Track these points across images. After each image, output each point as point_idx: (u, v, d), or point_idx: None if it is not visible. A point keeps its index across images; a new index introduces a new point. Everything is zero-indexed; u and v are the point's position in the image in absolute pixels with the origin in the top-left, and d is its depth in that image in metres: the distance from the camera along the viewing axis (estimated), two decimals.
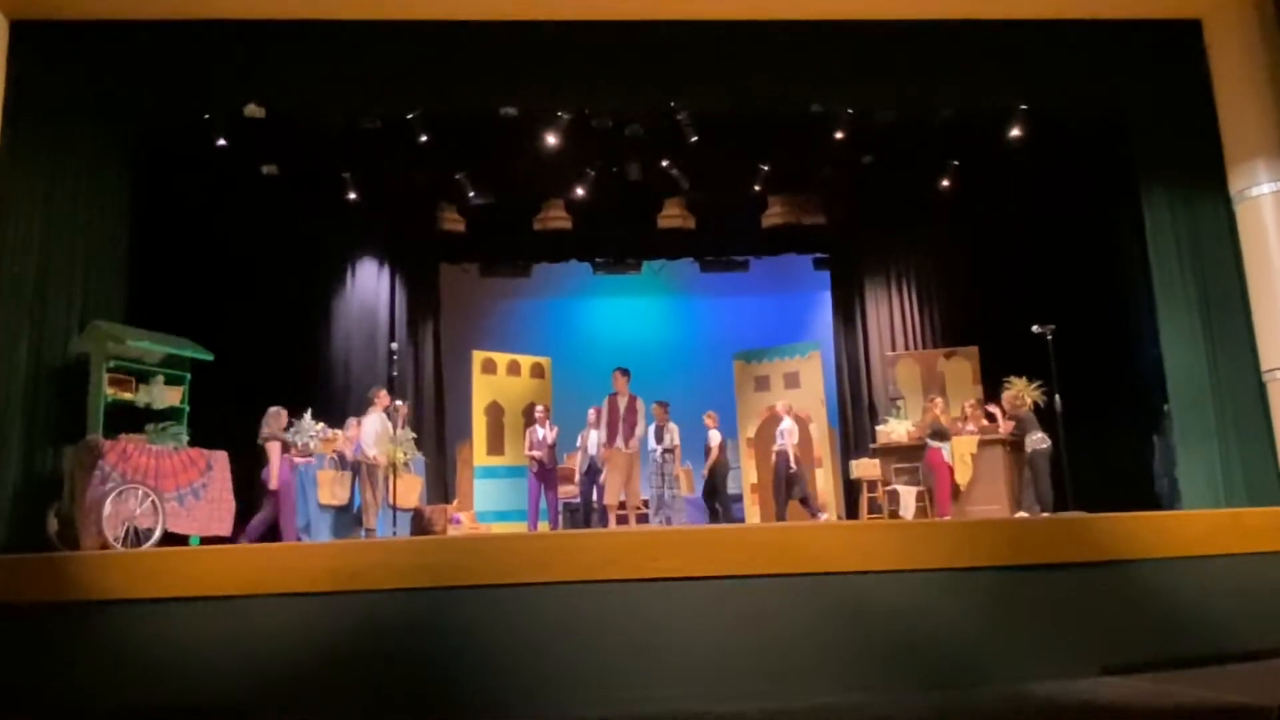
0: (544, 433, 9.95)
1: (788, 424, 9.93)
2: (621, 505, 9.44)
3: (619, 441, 9.43)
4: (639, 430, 9.46)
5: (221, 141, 8.89)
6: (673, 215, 11.81)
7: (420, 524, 8.99)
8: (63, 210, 7.21)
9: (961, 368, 11.15)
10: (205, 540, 7.11)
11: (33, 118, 7.07)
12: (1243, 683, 3.65)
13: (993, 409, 9.58)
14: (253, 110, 8.09)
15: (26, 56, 6.99)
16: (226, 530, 7.38)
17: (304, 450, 9.36)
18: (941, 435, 9.28)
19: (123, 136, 7.83)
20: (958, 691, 3.77)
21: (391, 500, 8.57)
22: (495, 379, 11.46)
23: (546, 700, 3.74)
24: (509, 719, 3.64)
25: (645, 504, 9.77)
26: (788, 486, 9.80)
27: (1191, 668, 3.99)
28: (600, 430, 9.70)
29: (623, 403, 9.52)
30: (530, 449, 10.01)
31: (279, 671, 3.80)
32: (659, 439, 9.59)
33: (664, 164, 10.50)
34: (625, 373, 9.68)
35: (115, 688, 3.82)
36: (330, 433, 9.30)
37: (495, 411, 11.39)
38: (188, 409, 7.57)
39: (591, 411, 9.90)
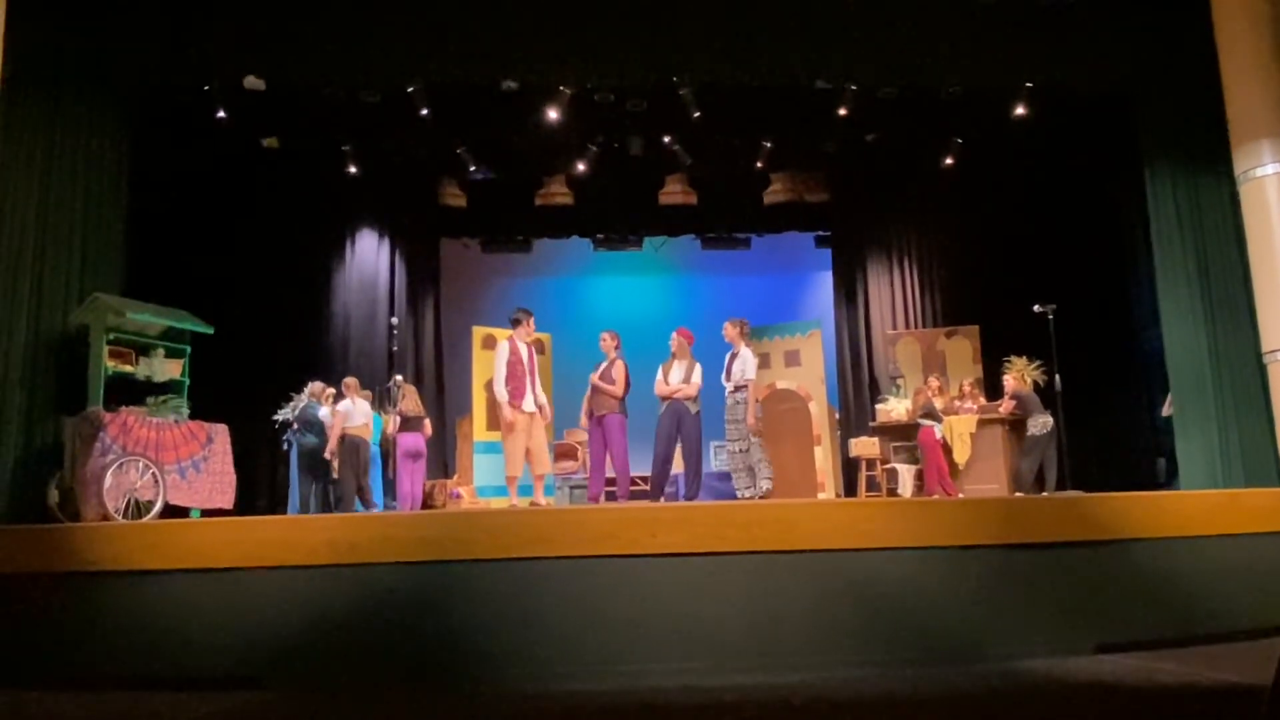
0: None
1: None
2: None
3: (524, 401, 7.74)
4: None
5: (221, 114, 8.85)
6: (674, 191, 11.77)
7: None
8: (61, 181, 7.15)
9: (962, 347, 11.14)
10: (206, 513, 7.14)
11: (31, 86, 6.99)
12: (1236, 662, 3.66)
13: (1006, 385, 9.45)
14: (252, 82, 8.04)
15: (25, 22, 6.90)
16: (228, 503, 7.40)
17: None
18: (932, 415, 9.33)
19: (122, 107, 7.75)
20: (953, 668, 3.79)
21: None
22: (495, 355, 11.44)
23: (544, 672, 3.77)
24: (506, 690, 3.66)
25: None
26: None
27: (1186, 647, 4.02)
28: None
29: (525, 351, 7.89)
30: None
31: (278, 642, 3.82)
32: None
33: (666, 140, 10.43)
34: (528, 314, 8.04)
35: (114, 658, 3.84)
36: None
37: None
38: (188, 382, 7.55)
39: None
